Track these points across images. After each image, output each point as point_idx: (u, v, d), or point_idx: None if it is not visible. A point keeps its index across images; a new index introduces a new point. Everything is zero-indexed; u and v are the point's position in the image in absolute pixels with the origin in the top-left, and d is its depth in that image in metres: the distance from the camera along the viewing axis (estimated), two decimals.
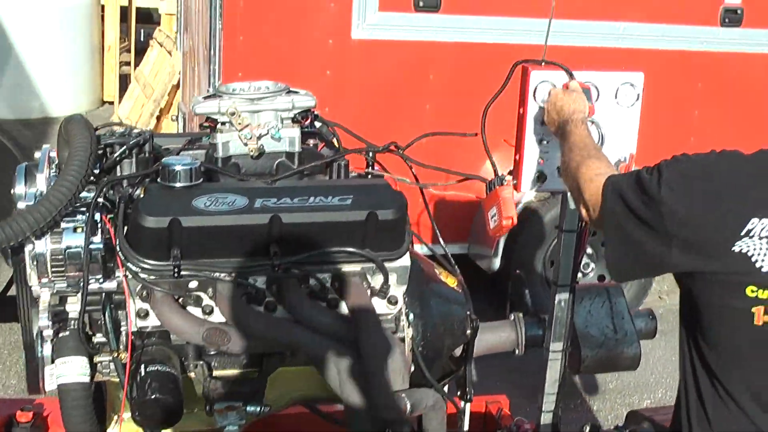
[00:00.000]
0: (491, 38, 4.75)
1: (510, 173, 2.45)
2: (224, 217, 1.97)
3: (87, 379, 2.07)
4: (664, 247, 1.77)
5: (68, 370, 2.05)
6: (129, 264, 1.98)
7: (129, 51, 9.38)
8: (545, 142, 2.39)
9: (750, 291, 1.73)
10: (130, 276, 2.00)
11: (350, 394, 2.06)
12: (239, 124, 2.14)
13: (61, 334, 2.09)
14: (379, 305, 2.15)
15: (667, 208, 1.76)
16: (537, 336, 2.81)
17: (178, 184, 2.03)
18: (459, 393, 2.50)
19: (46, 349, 2.08)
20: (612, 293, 3.01)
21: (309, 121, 2.28)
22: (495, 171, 2.42)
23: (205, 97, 2.22)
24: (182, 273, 1.98)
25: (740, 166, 1.79)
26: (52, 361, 2.08)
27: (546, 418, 2.62)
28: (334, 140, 2.41)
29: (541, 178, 2.42)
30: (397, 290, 2.17)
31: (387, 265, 2.12)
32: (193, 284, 2.03)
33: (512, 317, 2.76)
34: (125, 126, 2.25)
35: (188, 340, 2.05)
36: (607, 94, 2.43)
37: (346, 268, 2.10)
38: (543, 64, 2.40)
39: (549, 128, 2.34)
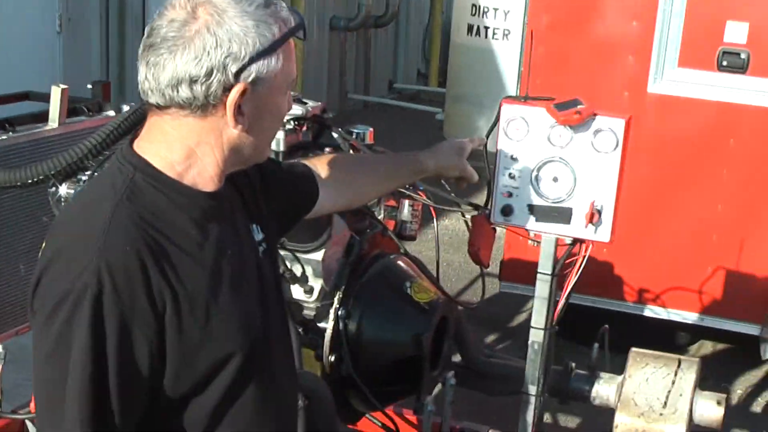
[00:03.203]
0: None
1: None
2: None
3: None
4: None
5: None
6: None
7: None
8: (514, 177, 2.43)
9: None
10: None
11: None
12: None
13: None
14: (297, 292, 2.42)
15: None
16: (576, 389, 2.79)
17: None
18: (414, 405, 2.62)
19: None
20: (684, 367, 2.82)
21: (305, 128, 2.63)
22: (486, 201, 2.51)
23: None
24: None
25: None
26: None
27: None
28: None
29: (506, 211, 2.44)
30: (315, 282, 2.41)
31: (301, 256, 2.39)
32: None
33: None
34: None
35: None
36: (585, 138, 2.38)
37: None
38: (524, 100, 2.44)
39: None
